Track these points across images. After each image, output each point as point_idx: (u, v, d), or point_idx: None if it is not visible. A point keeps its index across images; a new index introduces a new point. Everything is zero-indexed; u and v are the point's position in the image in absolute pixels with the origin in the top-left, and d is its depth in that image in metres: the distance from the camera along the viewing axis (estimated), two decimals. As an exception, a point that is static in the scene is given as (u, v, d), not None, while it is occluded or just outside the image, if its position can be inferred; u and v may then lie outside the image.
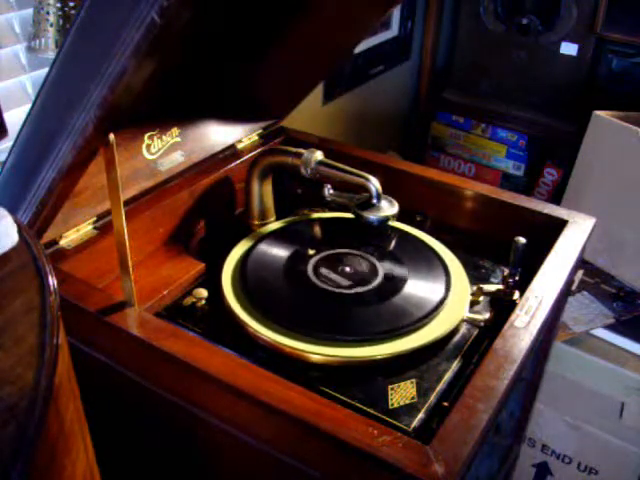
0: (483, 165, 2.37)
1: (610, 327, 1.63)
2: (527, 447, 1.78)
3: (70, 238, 0.99)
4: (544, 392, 1.56)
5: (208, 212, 1.21)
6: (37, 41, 1.09)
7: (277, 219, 1.22)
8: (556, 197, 2.14)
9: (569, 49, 2.15)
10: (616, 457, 1.64)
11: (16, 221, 0.56)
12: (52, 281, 0.53)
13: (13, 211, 0.86)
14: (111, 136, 0.76)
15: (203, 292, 1.01)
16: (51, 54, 1.09)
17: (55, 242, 0.97)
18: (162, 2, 0.57)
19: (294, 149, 1.15)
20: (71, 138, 0.73)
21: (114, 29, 0.63)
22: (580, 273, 1.58)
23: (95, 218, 1.02)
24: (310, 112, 1.83)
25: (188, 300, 1.02)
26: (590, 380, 1.60)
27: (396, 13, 2.14)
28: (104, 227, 1.02)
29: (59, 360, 0.48)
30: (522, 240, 1.02)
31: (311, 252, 1.09)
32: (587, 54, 2.12)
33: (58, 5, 1.07)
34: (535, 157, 2.27)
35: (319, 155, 1.12)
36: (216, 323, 0.98)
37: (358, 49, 1.96)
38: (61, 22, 1.09)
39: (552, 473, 1.79)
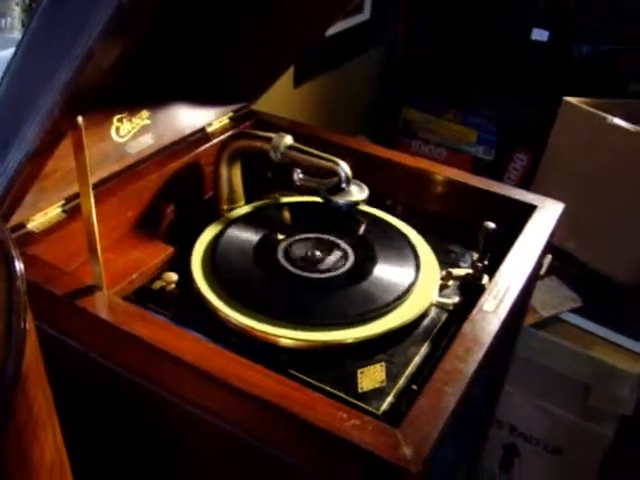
0: (454, 150, 2.38)
1: (577, 311, 1.65)
2: (496, 429, 1.80)
3: (38, 221, 0.98)
4: (513, 374, 1.57)
5: (178, 195, 1.20)
6: (2, 20, 1.08)
7: (247, 203, 1.21)
8: (526, 182, 2.16)
9: (540, 35, 2.16)
10: (582, 438, 1.67)
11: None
12: (19, 266, 0.52)
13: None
14: (79, 119, 0.75)
15: (173, 276, 1.00)
16: (17, 34, 1.08)
17: (22, 225, 0.96)
18: (130, -17, 0.57)
19: (263, 133, 1.14)
20: (38, 121, 0.72)
21: (81, 10, 0.62)
22: (549, 258, 1.60)
23: (63, 201, 1.01)
24: (281, 95, 1.83)
25: (157, 284, 1.01)
26: (557, 363, 1.63)
27: (368, -4, 2.14)
28: (73, 210, 1.01)
29: (27, 346, 0.48)
30: (491, 225, 1.03)
31: (281, 236, 1.09)
32: (558, 40, 2.14)
33: (24, -16, 1.06)
34: (505, 142, 2.28)
35: (288, 139, 1.11)
36: (186, 307, 0.97)
37: (330, 32, 1.95)
38: (27, 1, 1.07)
39: (520, 454, 1.82)
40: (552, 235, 1.11)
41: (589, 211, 1.68)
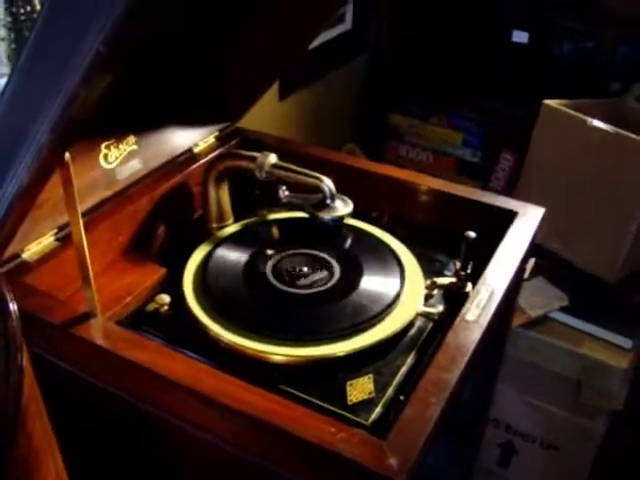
0: (441, 153, 2.41)
1: (565, 309, 1.69)
2: (492, 428, 1.83)
3: (32, 251, 1.00)
4: (506, 374, 1.61)
5: (168, 217, 1.22)
6: (-12, 55, 1.10)
7: (236, 220, 1.24)
8: (513, 182, 2.19)
9: (520, 37, 2.19)
10: (576, 434, 1.70)
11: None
12: (13, 307, 0.55)
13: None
14: (67, 155, 0.78)
15: (165, 298, 1.03)
16: (4, 68, 1.10)
17: (17, 255, 0.98)
18: (107, 34, 0.60)
19: (248, 153, 1.17)
20: (26, 160, 0.75)
21: (62, 59, 0.65)
22: (532, 261, 1.63)
23: (56, 230, 1.04)
24: (267, 109, 1.85)
25: (151, 306, 1.04)
26: (548, 361, 1.66)
27: (349, 7, 2.16)
28: (66, 238, 1.03)
29: (24, 383, 0.51)
30: (472, 234, 1.06)
31: (269, 253, 1.12)
32: (538, 41, 2.17)
33: (9, 19, 1.08)
34: (491, 143, 2.31)
35: (273, 158, 1.14)
36: (180, 328, 1.00)
37: (313, 43, 1.97)
38: (13, 36, 1.10)
39: (517, 451, 1.85)
40: (534, 240, 1.14)
41: (573, 212, 1.71)
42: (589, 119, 1.64)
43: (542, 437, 1.78)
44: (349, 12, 2.18)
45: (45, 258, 1.01)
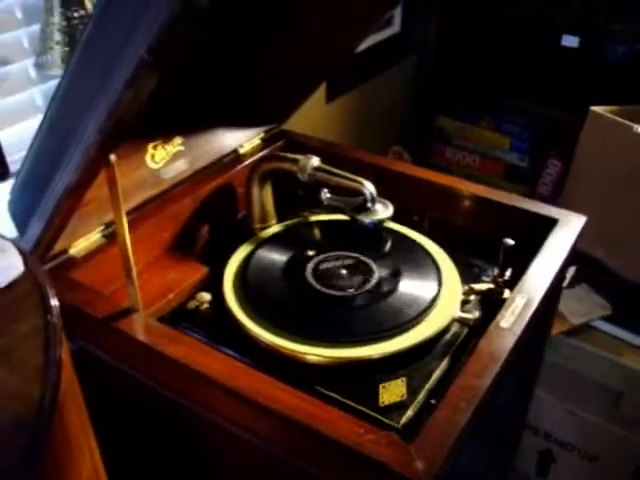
0: (488, 157, 2.41)
1: (607, 318, 1.67)
2: (531, 435, 1.82)
3: (79, 247, 1.04)
4: (546, 382, 1.60)
5: (212, 217, 1.25)
6: (44, 57, 1.14)
7: (279, 220, 1.26)
8: (560, 187, 2.17)
9: (570, 41, 2.17)
10: (615, 444, 1.69)
11: (22, 251, 0.61)
12: (54, 303, 0.58)
13: (26, 222, 0.92)
14: (112, 156, 0.81)
15: (205, 296, 1.06)
16: (58, 70, 1.14)
17: (65, 251, 1.02)
18: (151, 42, 0.62)
19: (291, 155, 1.19)
20: (74, 160, 0.78)
21: (109, 64, 0.68)
22: (572, 269, 1.62)
23: (103, 227, 1.07)
24: (314, 111, 1.87)
25: (192, 304, 1.07)
26: (589, 370, 1.65)
27: (398, 10, 2.17)
28: (112, 235, 1.06)
29: (62, 376, 0.53)
30: (509, 242, 1.06)
31: (309, 255, 1.13)
32: (588, 46, 2.15)
33: (63, 23, 1.12)
34: (538, 148, 2.30)
35: (315, 161, 1.16)
36: (219, 326, 1.02)
37: (361, 46, 1.98)
38: (67, 39, 1.14)
39: (555, 460, 1.84)
40: (574, 248, 1.13)
41: (618, 220, 1.69)
42: (635, 126, 1.62)
43: (581, 446, 1.76)
44: (397, 16, 2.18)
45: (91, 254, 1.04)
